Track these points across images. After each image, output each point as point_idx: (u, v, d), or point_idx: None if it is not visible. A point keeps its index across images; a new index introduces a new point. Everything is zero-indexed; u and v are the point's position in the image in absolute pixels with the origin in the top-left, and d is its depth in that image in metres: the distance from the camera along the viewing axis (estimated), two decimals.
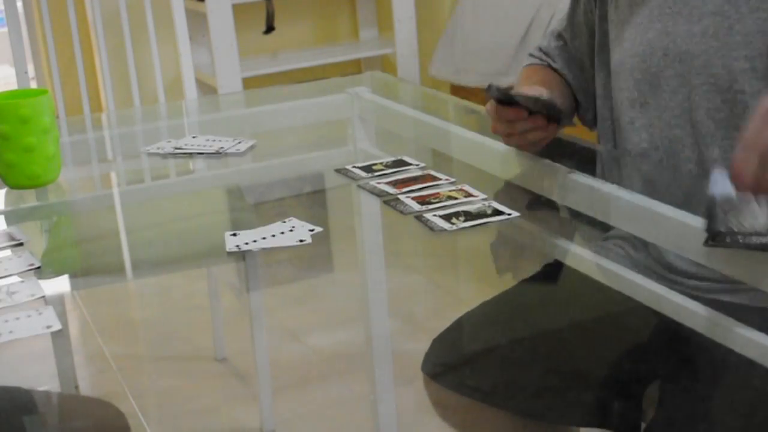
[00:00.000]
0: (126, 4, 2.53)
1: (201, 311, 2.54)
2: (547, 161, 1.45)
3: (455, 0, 3.58)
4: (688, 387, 1.24)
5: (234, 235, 1.32)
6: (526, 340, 1.45)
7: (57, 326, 1.12)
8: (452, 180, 1.46)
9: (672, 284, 1.30)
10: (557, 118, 1.44)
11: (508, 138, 1.46)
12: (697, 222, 1.13)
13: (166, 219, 1.68)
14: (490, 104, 1.40)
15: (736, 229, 1.08)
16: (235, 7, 3.50)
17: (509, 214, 1.32)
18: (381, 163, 1.56)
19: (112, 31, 2.64)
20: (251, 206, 1.70)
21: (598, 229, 1.42)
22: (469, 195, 1.39)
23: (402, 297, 2.62)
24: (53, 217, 1.64)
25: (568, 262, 1.42)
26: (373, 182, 1.48)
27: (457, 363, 1.48)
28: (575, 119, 1.60)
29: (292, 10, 3.90)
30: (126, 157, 1.94)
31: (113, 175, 1.92)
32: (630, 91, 1.41)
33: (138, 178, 1.85)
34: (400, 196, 1.40)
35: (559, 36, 1.59)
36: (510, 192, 1.50)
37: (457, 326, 1.49)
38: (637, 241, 1.38)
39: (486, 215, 1.32)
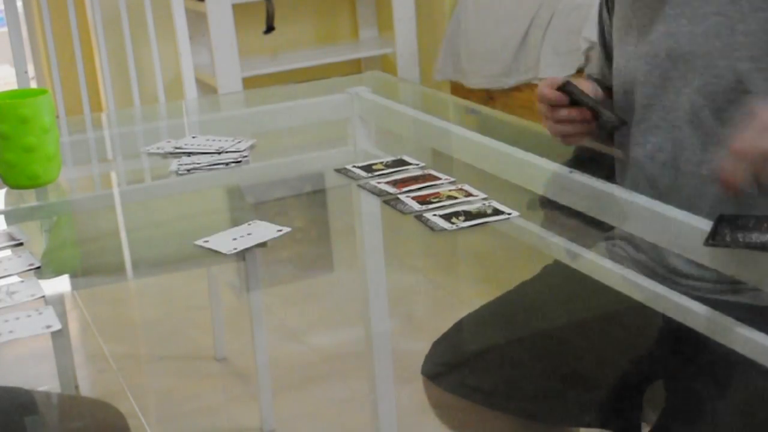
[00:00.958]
0: (126, 4, 2.53)
1: (201, 311, 2.54)
2: (547, 161, 1.45)
3: (455, 0, 3.58)
4: (692, 388, 1.23)
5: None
6: (526, 341, 1.45)
7: (57, 326, 1.12)
8: (452, 180, 1.45)
9: (673, 284, 1.29)
10: (613, 129, 1.46)
11: (561, 126, 1.46)
12: (699, 223, 1.13)
13: (166, 219, 1.68)
14: (552, 93, 1.41)
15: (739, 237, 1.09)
16: (235, 7, 3.49)
17: (509, 214, 1.32)
18: (381, 163, 1.56)
19: (112, 31, 2.65)
20: (251, 206, 1.69)
21: (598, 230, 1.42)
22: (469, 195, 1.39)
23: (402, 297, 2.61)
24: (53, 217, 1.64)
25: (569, 262, 1.42)
26: (373, 182, 1.47)
27: (457, 365, 1.48)
28: None
29: (292, 10, 3.90)
30: (126, 157, 1.94)
31: (113, 175, 1.92)
32: (634, 93, 1.41)
33: (138, 178, 1.85)
34: (400, 196, 1.40)
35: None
36: (510, 192, 1.50)
37: (457, 328, 1.49)
38: (637, 242, 1.38)
39: (486, 215, 1.32)
